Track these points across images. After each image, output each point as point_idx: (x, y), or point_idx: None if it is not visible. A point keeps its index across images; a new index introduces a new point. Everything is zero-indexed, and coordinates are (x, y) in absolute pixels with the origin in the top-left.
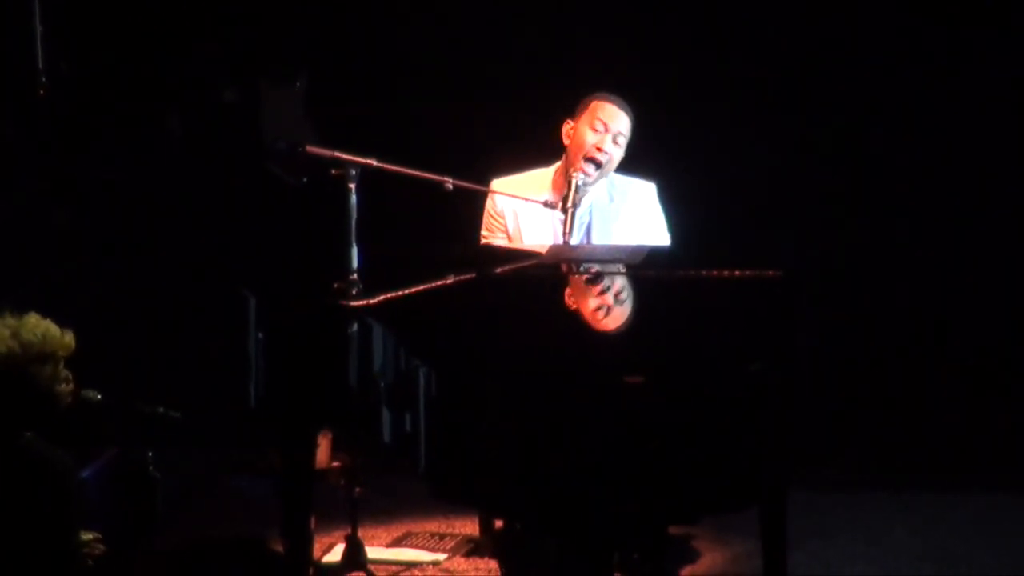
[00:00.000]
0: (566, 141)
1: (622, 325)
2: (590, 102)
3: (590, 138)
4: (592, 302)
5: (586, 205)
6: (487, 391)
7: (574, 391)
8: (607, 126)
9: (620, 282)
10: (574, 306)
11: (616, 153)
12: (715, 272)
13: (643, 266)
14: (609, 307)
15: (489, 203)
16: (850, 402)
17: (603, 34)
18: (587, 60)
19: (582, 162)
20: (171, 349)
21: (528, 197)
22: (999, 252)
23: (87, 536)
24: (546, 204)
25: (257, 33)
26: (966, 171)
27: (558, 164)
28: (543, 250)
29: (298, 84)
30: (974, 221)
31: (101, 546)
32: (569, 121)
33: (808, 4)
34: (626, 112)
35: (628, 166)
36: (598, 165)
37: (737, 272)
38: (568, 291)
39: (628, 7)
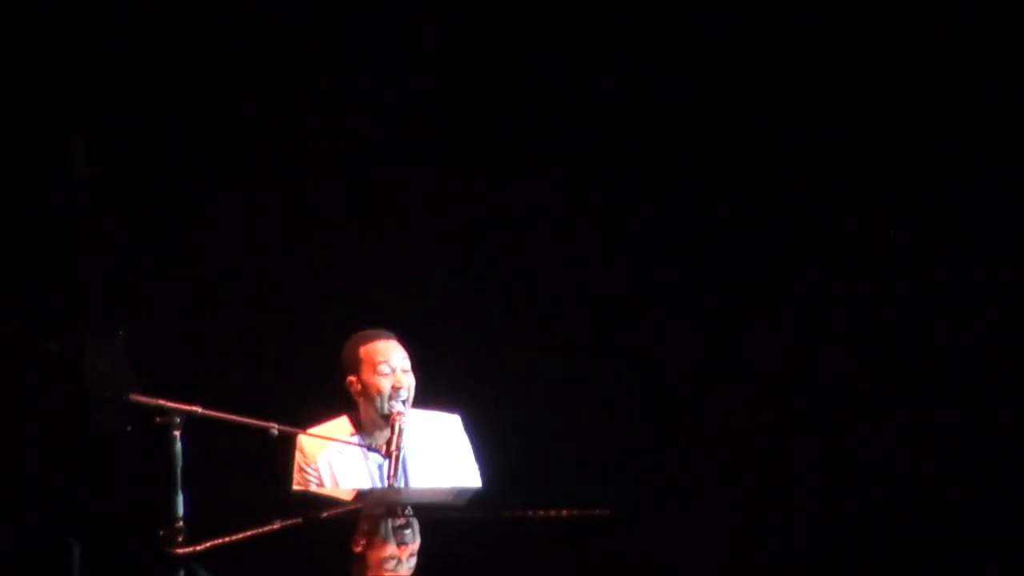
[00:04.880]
0: (357, 395)
1: None
2: (359, 350)
3: (385, 384)
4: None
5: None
6: None
7: None
8: (391, 365)
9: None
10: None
11: (412, 381)
12: (541, 512)
13: (466, 506)
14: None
15: (299, 456)
16: None
17: (401, 258)
18: (384, 296)
19: (389, 404)
20: None
21: (350, 441)
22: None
23: None
24: (370, 448)
25: (80, 283)
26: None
27: (351, 411)
28: (351, 496)
29: (120, 333)
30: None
31: None
32: (350, 377)
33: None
34: (393, 338)
35: (432, 399)
36: (404, 401)
37: (564, 512)
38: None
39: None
